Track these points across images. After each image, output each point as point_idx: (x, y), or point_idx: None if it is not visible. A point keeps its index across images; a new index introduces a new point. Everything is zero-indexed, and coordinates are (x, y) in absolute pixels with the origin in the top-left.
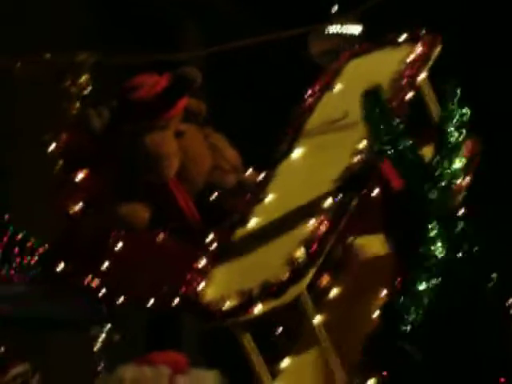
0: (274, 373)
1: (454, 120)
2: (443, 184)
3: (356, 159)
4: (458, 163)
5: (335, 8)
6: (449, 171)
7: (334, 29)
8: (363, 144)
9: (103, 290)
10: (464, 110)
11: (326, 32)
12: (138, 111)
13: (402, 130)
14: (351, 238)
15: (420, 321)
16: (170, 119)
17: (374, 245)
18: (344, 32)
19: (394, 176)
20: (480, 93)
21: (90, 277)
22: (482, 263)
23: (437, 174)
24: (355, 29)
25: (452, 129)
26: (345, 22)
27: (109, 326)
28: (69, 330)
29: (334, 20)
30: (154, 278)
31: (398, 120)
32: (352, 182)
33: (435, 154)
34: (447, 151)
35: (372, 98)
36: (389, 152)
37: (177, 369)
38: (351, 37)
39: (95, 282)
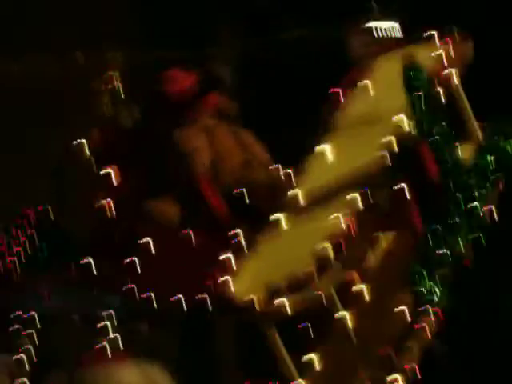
0: (302, 368)
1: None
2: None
3: (384, 154)
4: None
5: (374, 4)
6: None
7: (372, 24)
8: (393, 140)
9: (134, 286)
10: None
11: (365, 27)
12: (168, 107)
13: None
14: (378, 234)
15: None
16: (199, 115)
17: (400, 241)
18: (383, 27)
19: (431, 163)
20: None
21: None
22: None
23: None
24: (393, 24)
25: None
26: (383, 18)
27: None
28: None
29: (372, 16)
30: (183, 274)
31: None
32: (380, 177)
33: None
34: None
35: (413, 69)
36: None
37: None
38: (389, 32)
39: (127, 279)
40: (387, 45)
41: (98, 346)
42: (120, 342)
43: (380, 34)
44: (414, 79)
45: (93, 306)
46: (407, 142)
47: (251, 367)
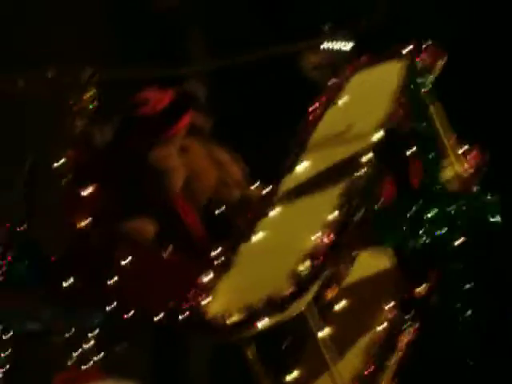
0: None
1: None
2: None
3: (361, 173)
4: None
5: (328, 25)
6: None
7: (326, 44)
8: (367, 157)
9: (110, 306)
10: None
11: (319, 47)
12: (142, 128)
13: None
14: (357, 251)
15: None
16: (174, 135)
17: (379, 258)
18: (336, 48)
19: (413, 174)
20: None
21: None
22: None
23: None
24: (347, 45)
25: None
26: (337, 39)
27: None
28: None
29: (326, 37)
30: (159, 294)
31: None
32: (359, 195)
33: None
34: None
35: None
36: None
37: None
38: (343, 52)
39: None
40: (360, 61)
41: (73, 366)
42: (97, 361)
43: (333, 55)
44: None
45: (70, 325)
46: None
47: None
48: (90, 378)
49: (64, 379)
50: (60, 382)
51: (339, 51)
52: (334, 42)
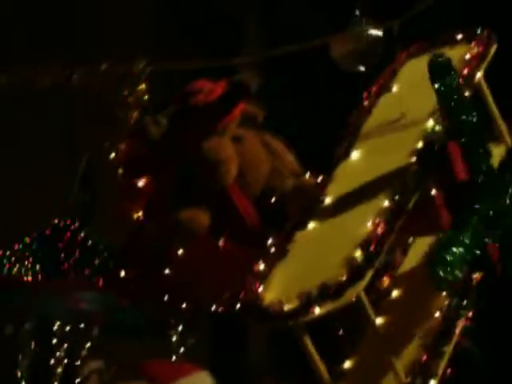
0: (336, 374)
1: None
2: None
3: (413, 160)
4: None
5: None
6: None
7: (356, 31)
8: (421, 144)
9: (166, 296)
10: None
11: (348, 35)
12: (195, 117)
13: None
14: (411, 239)
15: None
16: (227, 125)
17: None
18: (366, 34)
19: (459, 166)
20: None
21: (152, 283)
22: None
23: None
24: (377, 31)
25: None
26: (367, 26)
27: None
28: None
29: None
30: (215, 283)
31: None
32: (411, 182)
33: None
34: None
35: (441, 64)
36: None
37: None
38: (374, 39)
39: (158, 288)
40: (413, 48)
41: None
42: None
43: (365, 43)
44: (442, 79)
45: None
46: (435, 144)
47: (285, 375)
48: (187, 370)
49: (160, 371)
50: (157, 374)
51: (369, 39)
52: (364, 30)
